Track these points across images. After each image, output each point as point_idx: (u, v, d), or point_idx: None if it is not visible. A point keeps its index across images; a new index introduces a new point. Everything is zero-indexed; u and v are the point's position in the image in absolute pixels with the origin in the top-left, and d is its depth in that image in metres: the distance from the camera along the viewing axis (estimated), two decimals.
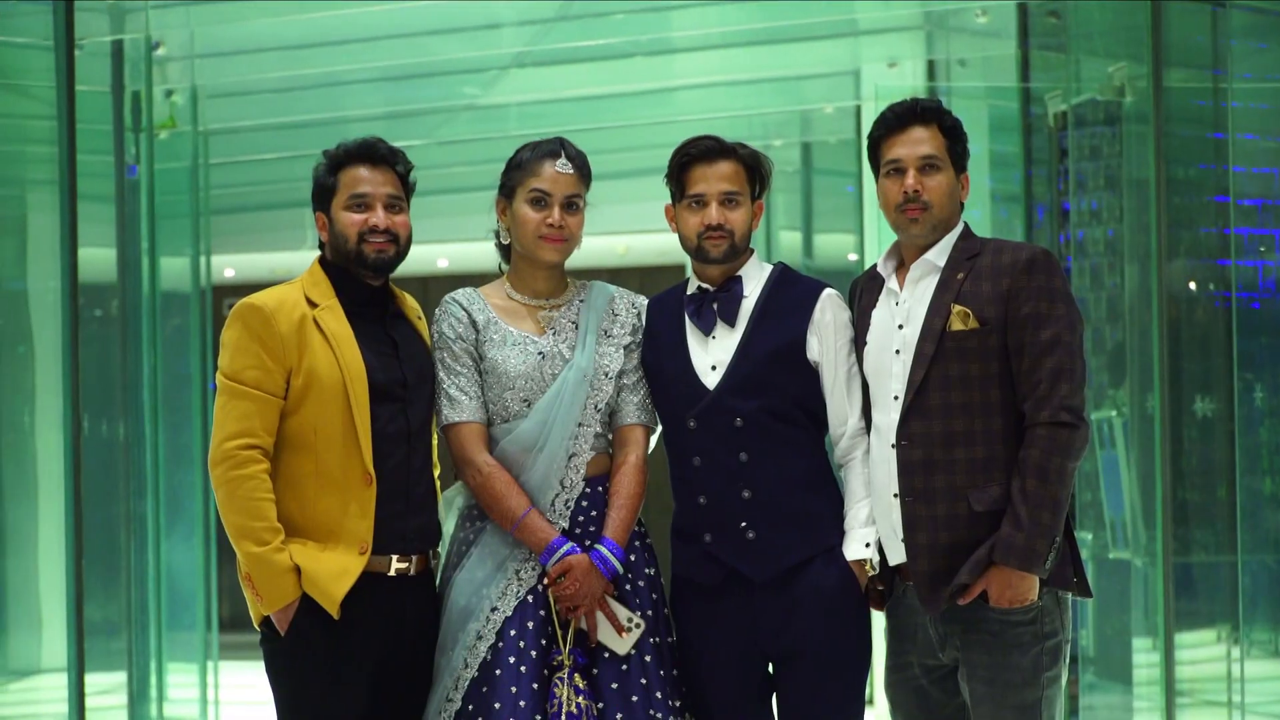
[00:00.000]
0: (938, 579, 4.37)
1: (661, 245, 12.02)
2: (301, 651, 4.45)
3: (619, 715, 4.48)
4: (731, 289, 4.66)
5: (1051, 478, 4.27)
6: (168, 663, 8.85)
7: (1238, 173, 7.53)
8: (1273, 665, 7.44)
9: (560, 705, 4.43)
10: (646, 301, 4.81)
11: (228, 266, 14.10)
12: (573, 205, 4.67)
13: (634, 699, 4.51)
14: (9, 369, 10.13)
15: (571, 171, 4.67)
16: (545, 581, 4.53)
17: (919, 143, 4.50)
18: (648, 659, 4.56)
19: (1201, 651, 7.45)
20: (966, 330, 4.37)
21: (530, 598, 4.53)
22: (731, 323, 4.64)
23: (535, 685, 4.46)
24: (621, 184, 11.15)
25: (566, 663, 4.50)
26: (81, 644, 7.44)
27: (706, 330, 4.65)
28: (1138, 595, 7.69)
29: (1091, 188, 8.27)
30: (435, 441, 4.76)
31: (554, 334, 4.68)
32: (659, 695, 4.53)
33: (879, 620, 4.68)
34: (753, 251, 4.72)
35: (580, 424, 4.62)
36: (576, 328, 4.71)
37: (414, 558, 4.54)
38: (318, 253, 4.70)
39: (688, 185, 4.65)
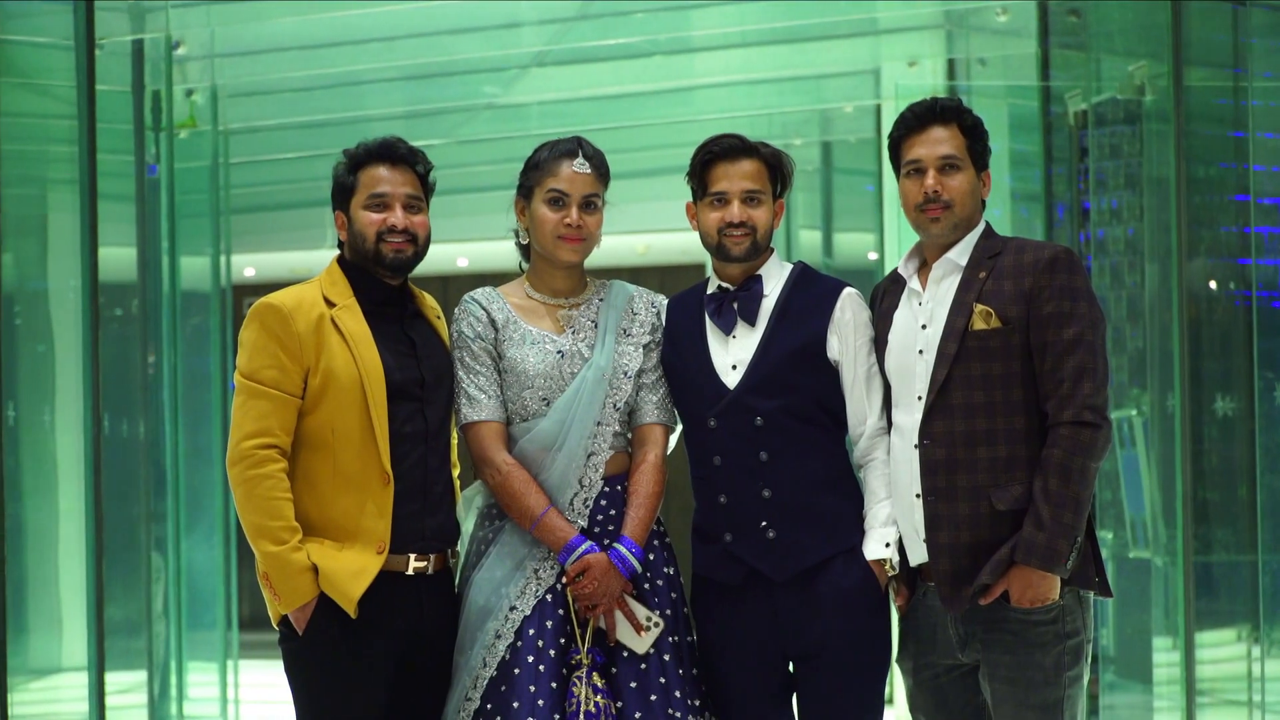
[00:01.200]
0: (959, 578, 4.37)
1: (682, 244, 12.05)
2: (319, 651, 4.46)
3: (638, 714, 4.48)
4: (752, 288, 4.66)
5: (1074, 477, 4.27)
6: (188, 662, 8.86)
7: (1258, 171, 7.52)
8: None
9: (579, 704, 4.43)
10: (666, 301, 4.81)
11: (248, 266, 14.13)
12: (591, 205, 4.66)
13: (653, 698, 4.50)
14: (29, 368, 10.15)
15: (589, 171, 4.66)
16: (564, 580, 4.53)
17: (939, 142, 4.51)
18: (667, 658, 4.55)
19: (1222, 651, 7.44)
20: (989, 329, 4.37)
21: (549, 597, 4.54)
22: (752, 322, 4.64)
23: (554, 684, 4.46)
24: (641, 183, 11.16)
25: (585, 661, 4.50)
26: (102, 643, 7.46)
27: (727, 330, 4.65)
28: (1158, 594, 7.69)
29: (1112, 186, 8.26)
30: (455, 440, 4.76)
31: (573, 333, 4.68)
32: (678, 694, 4.53)
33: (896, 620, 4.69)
34: (773, 251, 4.72)
35: (599, 423, 4.62)
36: (596, 326, 4.70)
37: (432, 556, 4.55)
38: (337, 252, 4.72)
39: (710, 183, 4.66)
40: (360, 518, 4.44)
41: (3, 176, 8.75)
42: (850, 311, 4.61)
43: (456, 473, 4.78)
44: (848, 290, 4.65)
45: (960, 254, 4.50)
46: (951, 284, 4.49)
